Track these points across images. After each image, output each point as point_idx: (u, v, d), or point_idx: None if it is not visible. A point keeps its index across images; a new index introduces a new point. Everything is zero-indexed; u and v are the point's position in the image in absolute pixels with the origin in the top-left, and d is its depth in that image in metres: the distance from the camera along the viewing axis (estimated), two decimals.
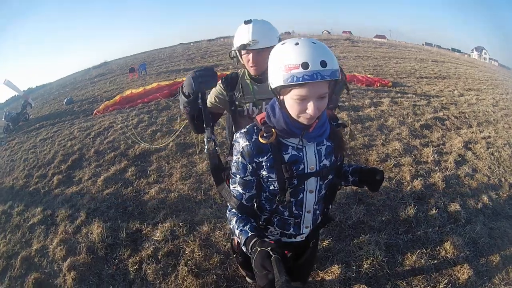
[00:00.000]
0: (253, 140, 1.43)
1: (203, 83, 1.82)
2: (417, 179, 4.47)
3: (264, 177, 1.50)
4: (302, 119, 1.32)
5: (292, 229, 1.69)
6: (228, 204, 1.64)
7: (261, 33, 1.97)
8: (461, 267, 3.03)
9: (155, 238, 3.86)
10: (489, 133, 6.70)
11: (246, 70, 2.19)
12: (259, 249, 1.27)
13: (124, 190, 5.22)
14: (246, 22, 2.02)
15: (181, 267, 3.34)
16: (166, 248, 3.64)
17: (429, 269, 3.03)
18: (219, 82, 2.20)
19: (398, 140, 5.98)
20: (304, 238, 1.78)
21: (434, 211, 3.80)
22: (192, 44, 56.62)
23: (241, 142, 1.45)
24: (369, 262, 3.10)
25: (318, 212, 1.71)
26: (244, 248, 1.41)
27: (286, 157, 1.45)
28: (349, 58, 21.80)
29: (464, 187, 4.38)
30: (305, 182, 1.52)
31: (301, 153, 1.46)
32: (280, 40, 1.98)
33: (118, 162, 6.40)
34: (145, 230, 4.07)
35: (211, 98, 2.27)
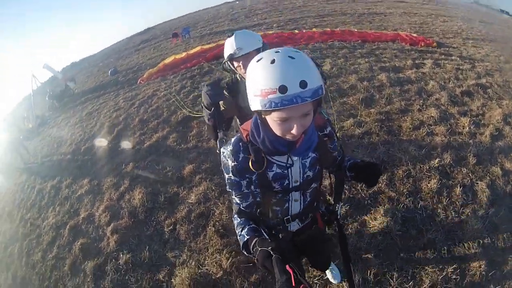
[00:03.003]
0: (240, 159, 1.35)
1: (215, 96, 2.09)
2: (447, 152, 4.11)
3: (252, 190, 1.46)
4: (288, 137, 1.22)
5: (280, 227, 1.66)
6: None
7: (243, 41, 2.13)
8: (474, 253, 2.80)
9: (189, 201, 4.06)
10: None
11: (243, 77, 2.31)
12: (259, 248, 1.19)
13: (165, 156, 5.39)
14: (229, 36, 2.20)
15: (209, 227, 3.54)
16: (198, 210, 3.87)
17: (441, 249, 2.84)
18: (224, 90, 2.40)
19: (436, 106, 5.48)
20: (301, 225, 1.70)
21: (458, 188, 3.50)
22: (237, 2, 54.39)
23: (230, 163, 1.37)
24: (382, 234, 2.98)
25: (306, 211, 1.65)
26: (245, 252, 1.35)
27: (270, 174, 1.38)
28: (395, 14, 19.82)
29: (496, 165, 3.94)
30: (290, 194, 1.49)
31: (286, 171, 1.39)
32: (263, 43, 2.21)
33: (161, 130, 6.53)
34: (181, 193, 4.28)
35: (221, 105, 2.43)
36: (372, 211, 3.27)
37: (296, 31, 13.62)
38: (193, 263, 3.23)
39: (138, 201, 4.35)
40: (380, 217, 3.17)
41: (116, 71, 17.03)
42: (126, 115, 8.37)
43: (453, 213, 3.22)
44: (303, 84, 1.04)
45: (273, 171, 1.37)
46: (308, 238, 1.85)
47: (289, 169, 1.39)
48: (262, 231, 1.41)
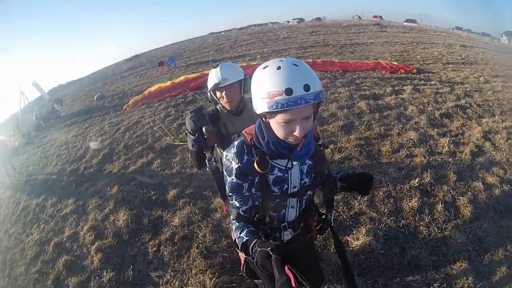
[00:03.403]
0: (244, 161, 1.40)
1: (198, 121, 2.09)
2: (427, 171, 4.18)
3: (252, 193, 1.50)
4: (290, 140, 1.30)
5: (276, 234, 1.67)
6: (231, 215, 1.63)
7: (228, 72, 2.25)
8: (460, 266, 2.78)
9: (173, 224, 4.09)
10: None
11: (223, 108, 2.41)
12: (259, 249, 1.22)
13: (150, 181, 5.44)
14: (215, 67, 2.30)
15: (193, 249, 3.55)
16: (182, 233, 3.89)
17: (426, 265, 2.82)
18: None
19: (415, 129, 5.62)
20: (293, 234, 1.72)
21: (440, 205, 3.53)
22: (222, 33, 56.24)
23: (233, 164, 1.42)
24: (365, 253, 2.97)
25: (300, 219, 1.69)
26: (243, 253, 1.38)
27: (271, 177, 1.44)
28: (376, 44, 20.58)
29: (477, 180, 4.00)
30: (288, 199, 1.54)
31: (286, 174, 1.46)
32: (245, 76, 2.34)
33: (146, 155, 6.62)
34: (165, 216, 4.32)
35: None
36: (354, 232, 3.27)
37: None
38: (176, 283, 3.21)
39: (122, 222, 4.38)
40: (362, 237, 3.16)
41: (102, 96, 17.05)
42: (111, 139, 8.45)
43: (436, 229, 3.23)
44: (306, 87, 1.15)
45: (274, 174, 1.44)
46: (304, 245, 1.84)
47: (289, 173, 1.46)
48: (260, 235, 1.45)
